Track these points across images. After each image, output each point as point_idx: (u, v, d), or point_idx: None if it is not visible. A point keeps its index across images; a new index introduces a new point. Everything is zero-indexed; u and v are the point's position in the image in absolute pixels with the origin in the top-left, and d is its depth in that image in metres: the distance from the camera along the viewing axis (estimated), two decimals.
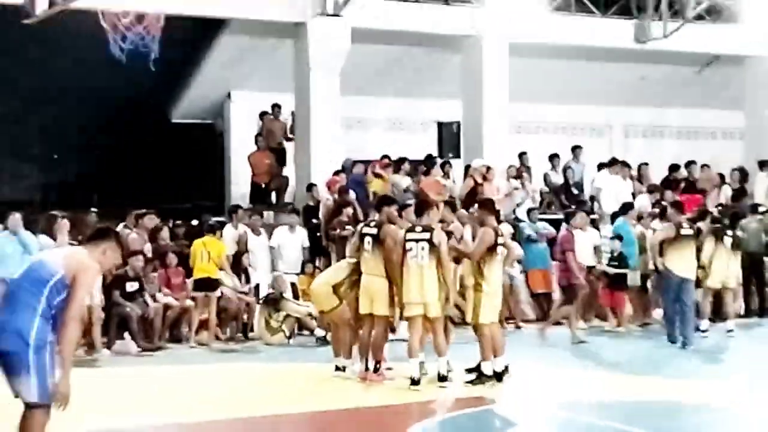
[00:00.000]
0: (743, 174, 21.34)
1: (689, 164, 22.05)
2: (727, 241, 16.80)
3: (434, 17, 20.26)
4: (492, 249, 12.00)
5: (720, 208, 19.32)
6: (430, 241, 11.73)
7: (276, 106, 20.65)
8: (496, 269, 12.15)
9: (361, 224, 13.21)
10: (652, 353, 14.91)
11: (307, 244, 17.52)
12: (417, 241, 11.79)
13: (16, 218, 14.63)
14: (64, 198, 17.90)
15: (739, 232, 17.56)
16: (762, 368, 13.71)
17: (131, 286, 15.16)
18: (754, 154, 22.47)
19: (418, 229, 11.97)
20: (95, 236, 7.34)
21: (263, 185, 20.57)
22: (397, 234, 12.10)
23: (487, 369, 11.87)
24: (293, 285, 16.91)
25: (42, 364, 6.56)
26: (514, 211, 19.17)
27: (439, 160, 20.42)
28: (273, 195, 20.57)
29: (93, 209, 16.63)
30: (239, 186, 21.61)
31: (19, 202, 18.59)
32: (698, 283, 16.45)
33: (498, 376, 11.88)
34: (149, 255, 15.97)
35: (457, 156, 20.99)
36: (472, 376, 11.92)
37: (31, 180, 23.35)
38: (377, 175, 19.49)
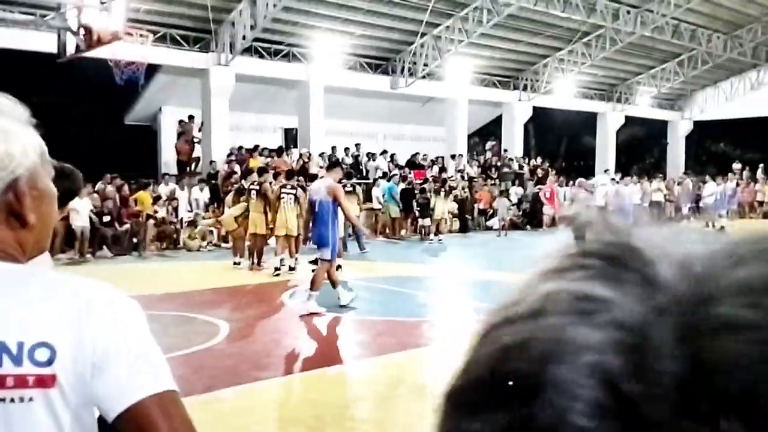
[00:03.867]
0: (443, 160, 21.72)
1: (417, 155, 22.15)
2: (442, 193, 17.01)
3: (283, 69, 19.33)
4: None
5: (433, 177, 19.51)
6: (295, 194, 11.24)
7: (190, 117, 18.99)
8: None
9: (247, 182, 12.39)
10: (415, 251, 14.79)
11: (208, 195, 16.52)
12: (288, 193, 11.26)
13: None
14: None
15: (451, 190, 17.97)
16: (460, 257, 14.07)
17: (107, 218, 13.83)
18: (450, 150, 22.90)
19: (289, 186, 11.39)
20: (330, 166, 8.38)
21: (184, 162, 19.01)
22: (272, 188, 11.52)
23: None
24: (202, 217, 15.77)
25: (333, 243, 7.71)
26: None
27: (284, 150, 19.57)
28: (189, 168, 19.09)
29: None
30: (167, 163, 19.82)
31: None
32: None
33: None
34: (117, 200, 14.57)
35: (295, 147, 20.26)
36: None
37: None
38: (252, 156, 18.45)
